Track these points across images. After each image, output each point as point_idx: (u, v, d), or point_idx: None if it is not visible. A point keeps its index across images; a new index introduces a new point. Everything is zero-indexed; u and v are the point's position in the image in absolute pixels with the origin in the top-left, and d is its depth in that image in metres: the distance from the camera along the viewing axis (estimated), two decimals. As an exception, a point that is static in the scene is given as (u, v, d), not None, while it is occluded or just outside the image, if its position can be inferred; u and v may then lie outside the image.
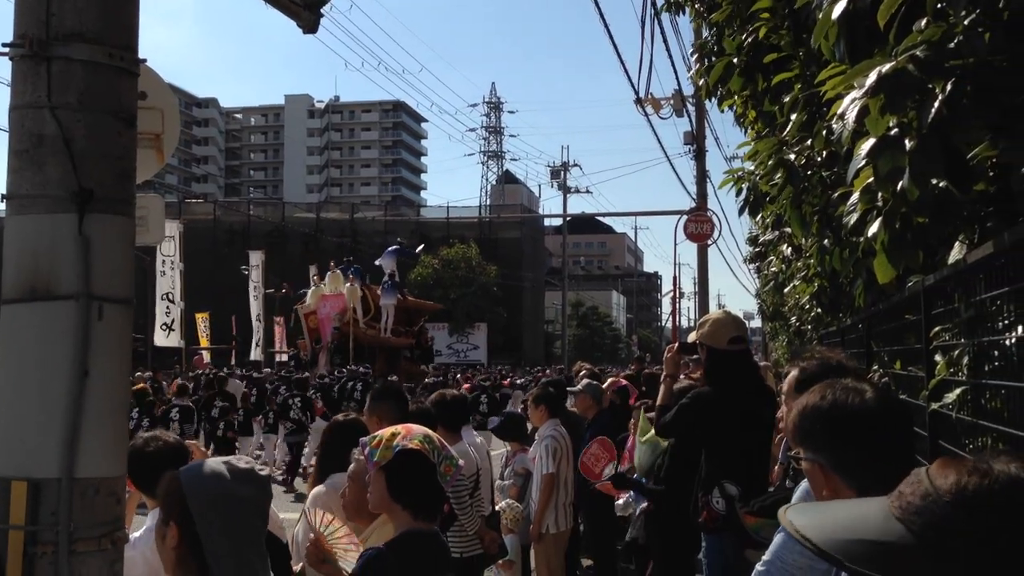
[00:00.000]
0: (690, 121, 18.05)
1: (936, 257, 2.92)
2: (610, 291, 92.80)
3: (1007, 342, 2.29)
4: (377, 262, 27.63)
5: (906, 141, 2.16)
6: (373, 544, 2.62)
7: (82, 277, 2.07)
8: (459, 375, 27.39)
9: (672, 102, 16.91)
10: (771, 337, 22.88)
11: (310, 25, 3.02)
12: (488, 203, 76.70)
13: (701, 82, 5.35)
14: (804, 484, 2.37)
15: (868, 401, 1.68)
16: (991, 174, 2.40)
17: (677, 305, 19.30)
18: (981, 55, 2.04)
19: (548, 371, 28.35)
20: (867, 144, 2.24)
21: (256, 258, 30.17)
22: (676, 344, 4.86)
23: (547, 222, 70.37)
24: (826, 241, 4.08)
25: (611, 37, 20.81)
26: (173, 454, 2.90)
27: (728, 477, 4.05)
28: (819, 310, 6.70)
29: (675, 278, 19.13)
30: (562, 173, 48.98)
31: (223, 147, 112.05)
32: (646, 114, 15.29)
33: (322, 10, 3.05)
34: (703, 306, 19.01)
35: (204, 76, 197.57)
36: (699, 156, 18.23)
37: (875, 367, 4.44)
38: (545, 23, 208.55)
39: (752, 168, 4.48)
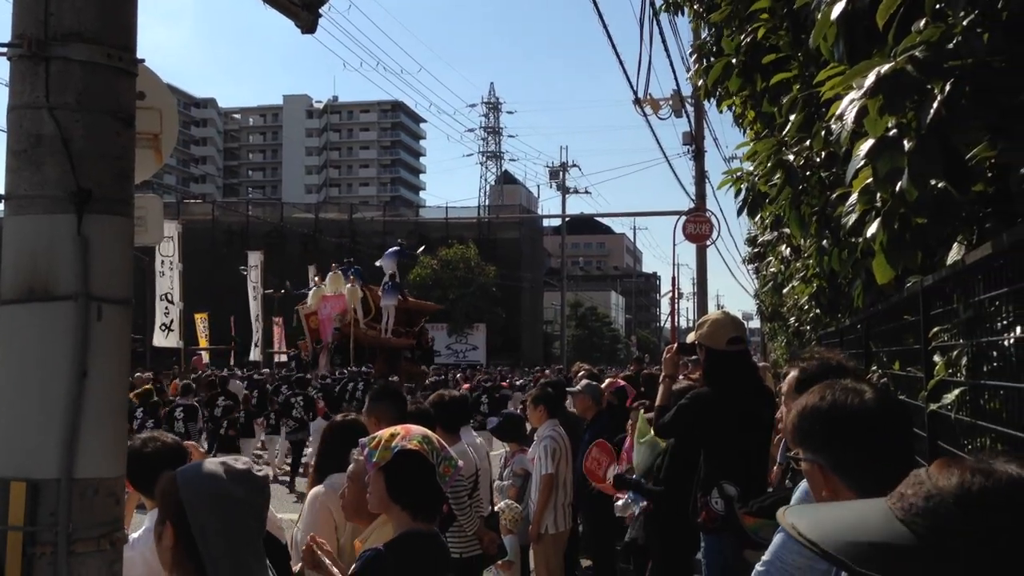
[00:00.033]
0: (689, 121, 18.09)
1: (935, 258, 2.92)
2: (609, 292, 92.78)
3: (1006, 343, 2.29)
4: (378, 263, 27.65)
5: (905, 142, 2.16)
6: (373, 544, 2.62)
7: (81, 277, 2.07)
8: (459, 375, 27.41)
9: (671, 102, 16.92)
10: (770, 338, 22.90)
11: (308, 25, 3.02)
12: (487, 203, 76.66)
13: (700, 82, 5.36)
14: (803, 485, 2.38)
15: (867, 402, 1.68)
16: (990, 175, 2.40)
17: (676, 306, 19.30)
18: (980, 56, 2.04)
19: (547, 371, 28.33)
20: (866, 145, 2.24)
21: (255, 258, 30.14)
22: (675, 345, 4.86)
23: (546, 222, 70.42)
24: (825, 242, 4.09)
25: (610, 38, 20.84)
26: (171, 455, 2.90)
27: (727, 478, 4.05)
28: (818, 311, 6.70)
29: (674, 279, 19.11)
30: (561, 173, 49.05)
31: (221, 147, 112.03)
32: (645, 115, 15.31)
33: (320, 10, 3.05)
34: (702, 307, 19.02)
35: (202, 76, 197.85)
36: (698, 156, 18.24)
37: (874, 368, 4.44)
38: (544, 23, 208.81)
39: (751, 168, 4.47)
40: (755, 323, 33.97)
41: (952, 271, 2.66)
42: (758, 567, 2.42)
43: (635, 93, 13.92)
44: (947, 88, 2.05)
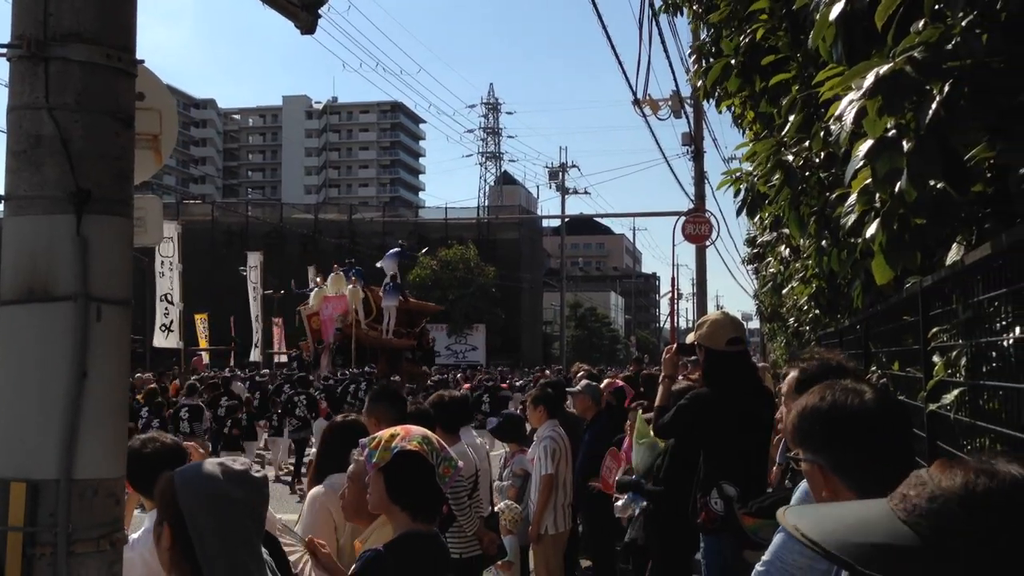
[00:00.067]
0: (688, 122, 18.09)
1: (934, 258, 2.92)
2: (608, 292, 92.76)
3: (1005, 343, 2.29)
4: (379, 264, 27.67)
5: (904, 142, 2.16)
6: (372, 545, 2.62)
7: (80, 278, 2.07)
8: (459, 375, 27.42)
9: (670, 103, 16.91)
10: (769, 338, 22.90)
11: (308, 26, 3.02)
12: (486, 204, 76.62)
13: (699, 83, 5.35)
14: (803, 485, 2.38)
15: (867, 402, 1.68)
16: (989, 175, 2.40)
17: (675, 306, 19.30)
18: (979, 56, 2.04)
19: (547, 372, 28.33)
20: (865, 145, 2.24)
21: (254, 259, 30.13)
22: (674, 345, 4.86)
23: (545, 223, 70.44)
24: (824, 242, 4.08)
25: (609, 38, 20.86)
26: (170, 455, 2.90)
27: (726, 478, 4.05)
28: (817, 311, 6.70)
29: (673, 279, 19.10)
30: (560, 174, 49.08)
31: (221, 148, 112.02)
32: (644, 115, 15.28)
33: (320, 11, 3.05)
34: (701, 307, 19.01)
35: (202, 77, 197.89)
36: (697, 157, 18.24)
37: (873, 368, 4.44)
38: (543, 24, 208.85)
39: (750, 169, 4.47)
40: (754, 324, 34.00)
41: (951, 272, 2.66)
42: (758, 567, 2.42)
43: (634, 94, 13.91)
44: (946, 89, 2.05)
